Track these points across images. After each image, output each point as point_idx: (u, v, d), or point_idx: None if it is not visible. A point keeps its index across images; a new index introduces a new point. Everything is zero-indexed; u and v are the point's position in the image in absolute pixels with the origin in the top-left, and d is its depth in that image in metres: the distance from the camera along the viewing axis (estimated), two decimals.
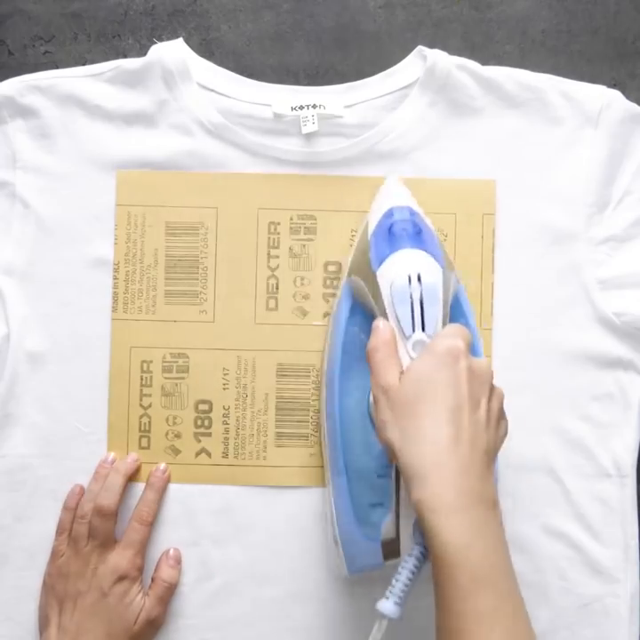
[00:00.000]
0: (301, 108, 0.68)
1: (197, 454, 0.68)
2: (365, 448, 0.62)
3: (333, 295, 0.69)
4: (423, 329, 0.57)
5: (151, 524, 0.67)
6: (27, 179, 0.68)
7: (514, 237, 0.69)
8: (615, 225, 0.68)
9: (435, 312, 0.57)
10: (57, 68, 0.71)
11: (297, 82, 0.71)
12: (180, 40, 0.70)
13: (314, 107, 0.68)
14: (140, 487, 0.68)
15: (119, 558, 0.64)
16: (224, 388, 0.69)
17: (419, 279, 0.58)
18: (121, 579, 0.64)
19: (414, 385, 0.54)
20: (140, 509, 0.66)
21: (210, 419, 0.69)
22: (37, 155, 0.68)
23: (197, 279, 0.69)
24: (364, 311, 0.63)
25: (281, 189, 0.69)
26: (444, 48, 0.69)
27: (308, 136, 0.69)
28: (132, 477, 0.67)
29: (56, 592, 0.65)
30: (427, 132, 0.69)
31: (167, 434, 0.69)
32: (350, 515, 0.62)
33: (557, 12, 0.72)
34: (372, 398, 0.57)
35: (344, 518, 0.63)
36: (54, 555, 0.66)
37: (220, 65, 0.70)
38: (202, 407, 0.69)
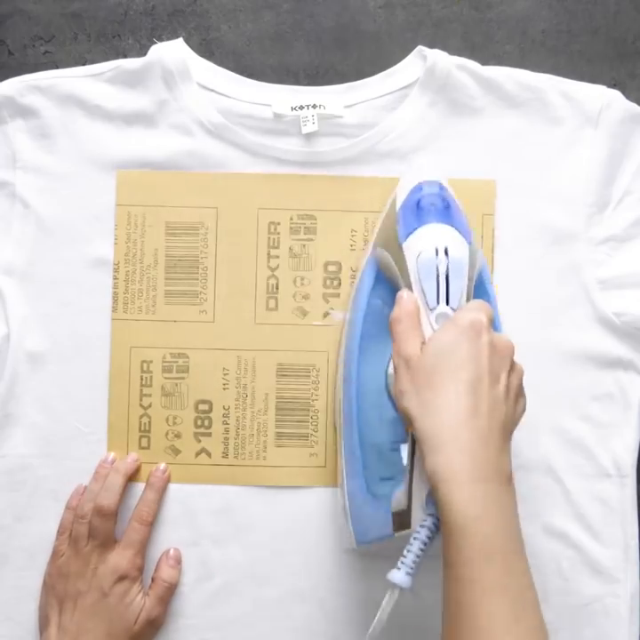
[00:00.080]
0: (301, 108, 0.68)
1: (197, 454, 0.68)
2: (379, 421, 0.62)
3: (333, 295, 0.69)
4: (447, 302, 0.57)
5: (151, 523, 0.67)
6: (27, 179, 0.68)
7: (514, 237, 0.69)
8: (615, 225, 0.68)
9: (460, 286, 0.57)
10: (57, 67, 0.71)
11: (297, 82, 0.71)
12: (180, 40, 0.70)
13: (314, 107, 0.68)
14: (140, 487, 0.68)
15: (119, 558, 0.64)
16: (224, 388, 0.69)
17: (446, 253, 0.58)
18: (121, 579, 0.64)
19: (435, 356, 0.54)
20: (140, 509, 0.66)
21: (210, 419, 0.69)
22: (37, 155, 0.68)
23: (197, 279, 0.69)
24: (387, 283, 0.63)
25: (281, 189, 0.69)
26: (444, 48, 0.69)
27: (308, 136, 0.69)
28: (132, 477, 0.68)
29: (56, 592, 0.65)
30: (427, 131, 0.69)
31: (167, 434, 0.69)
32: (362, 485, 0.62)
33: (557, 12, 0.72)
34: (391, 368, 0.57)
35: (355, 489, 0.63)
36: (55, 554, 0.66)
37: (220, 65, 0.70)
38: (202, 407, 0.69)
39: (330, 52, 0.72)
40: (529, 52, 0.72)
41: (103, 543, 0.65)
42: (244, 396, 0.69)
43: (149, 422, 0.69)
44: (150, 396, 0.69)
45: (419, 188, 0.62)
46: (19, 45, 0.72)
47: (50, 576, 0.66)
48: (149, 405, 0.69)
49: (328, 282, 0.69)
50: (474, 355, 0.53)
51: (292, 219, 0.69)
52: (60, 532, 0.66)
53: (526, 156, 0.69)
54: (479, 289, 0.63)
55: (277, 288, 0.69)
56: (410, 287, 0.58)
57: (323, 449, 0.68)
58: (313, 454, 0.68)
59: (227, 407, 0.69)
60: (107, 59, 0.70)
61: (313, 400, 0.69)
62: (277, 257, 0.69)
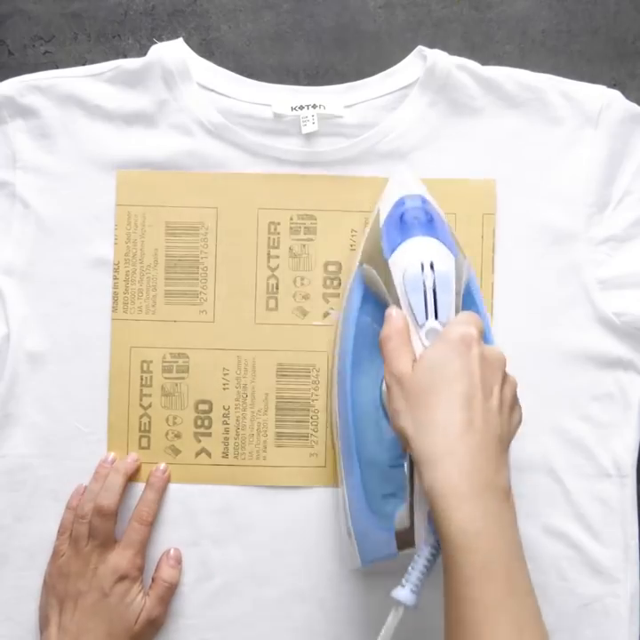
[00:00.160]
0: (301, 108, 0.68)
1: (197, 454, 0.68)
2: (378, 438, 0.62)
3: (333, 295, 0.69)
4: (436, 317, 0.57)
5: (151, 523, 0.67)
6: (27, 179, 0.68)
7: (514, 237, 0.69)
8: (615, 225, 0.68)
9: (448, 300, 0.57)
10: (57, 67, 0.71)
11: (297, 82, 0.71)
12: (180, 40, 0.70)
13: (314, 107, 0.68)
14: (140, 487, 0.68)
15: (119, 558, 0.64)
16: (224, 388, 0.69)
17: (431, 267, 0.57)
18: (121, 579, 0.64)
19: (427, 373, 0.54)
20: (140, 509, 0.66)
21: (210, 419, 0.69)
22: (37, 155, 0.68)
23: (197, 279, 0.69)
24: (376, 300, 0.63)
25: (281, 189, 0.69)
26: (444, 48, 0.69)
27: (308, 136, 0.69)
28: (132, 477, 0.68)
29: (56, 592, 0.65)
30: (427, 131, 0.69)
31: (167, 434, 0.69)
32: (363, 505, 0.62)
33: (557, 12, 0.72)
34: (384, 387, 0.57)
35: (357, 509, 0.63)
36: (55, 554, 0.66)
37: (220, 65, 0.70)
38: (202, 407, 0.69)
39: (330, 52, 0.72)
40: (529, 52, 0.72)
41: (103, 543, 0.65)
42: (244, 396, 0.69)
43: (149, 422, 0.69)
44: (150, 396, 0.69)
45: (401, 201, 0.62)
46: (19, 45, 0.72)
47: (50, 576, 0.66)
48: (149, 405, 0.69)
49: (328, 282, 0.69)
50: (465, 369, 0.53)
51: (291, 219, 0.69)
52: (60, 532, 0.66)
53: (526, 156, 0.69)
54: (468, 300, 0.62)
55: (277, 288, 0.69)
56: (398, 303, 0.58)
57: (323, 449, 0.68)
58: (313, 454, 0.68)
59: (227, 407, 0.69)
60: (107, 59, 0.70)
61: (313, 400, 0.69)
62: (277, 257, 0.69)
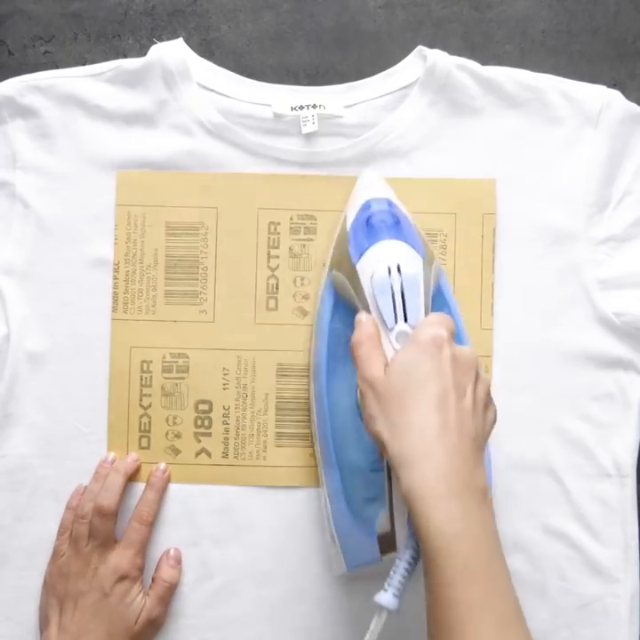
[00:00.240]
0: (301, 108, 0.68)
1: (197, 454, 0.68)
2: (357, 443, 0.62)
3: None
4: (406, 320, 0.57)
5: (151, 523, 0.67)
6: (27, 179, 0.68)
7: (514, 237, 0.69)
8: (615, 225, 0.68)
9: (416, 302, 0.57)
10: (57, 67, 0.71)
11: (297, 82, 0.71)
12: (180, 40, 0.70)
13: (314, 107, 0.68)
14: (140, 487, 0.68)
15: (120, 558, 0.64)
16: (224, 388, 0.69)
17: (399, 270, 0.58)
18: (122, 579, 0.64)
19: (399, 376, 0.54)
20: (140, 509, 0.66)
21: (210, 419, 0.69)
22: (37, 155, 0.68)
23: (197, 279, 0.69)
24: (347, 306, 0.63)
25: (281, 189, 0.69)
26: (444, 48, 0.69)
27: (308, 136, 0.69)
28: (132, 477, 0.67)
29: (57, 592, 0.65)
30: (427, 131, 0.69)
31: (167, 434, 0.69)
32: (345, 511, 0.62)
33: (557, 12, 0.72)
34: (359, 392, 0.57)
35: (339, 515, 0.63)
36: (55, 554, 0.66)
37: (220, 65, 0.70)
38: (202, 407, 0.69)
39: (330, 52, 0.72)
40: (529, 52, 0.72)
41: (103, 543, 0.65)
42: (244, 395, 0.69)
43: (149, 422, 0.69)
44: (150, 396, 0.69)
45: (367, 205, 0.62)
46: (19, 45, 0.72)
47: (50, 576, 0.66)
48: (149, 405, 0.69)
49: None
50: (437, 371, 0.53)
51: (291, 219, 0.69)
52: (60, 532, 0.66)
53: (526, 156, 0.69)
54: (439, 300, 0.63)
55: (277, 288, 0.69)
56: (367, 308, 0.58)
57: None
58: (313, 454, 0.68)
59: (227, 407, 0.69)
60: (107, 59, 0.70)
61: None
62: (277, 257, 0.69)
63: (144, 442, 0.68)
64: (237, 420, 0.69)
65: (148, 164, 0.69)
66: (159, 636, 0.67)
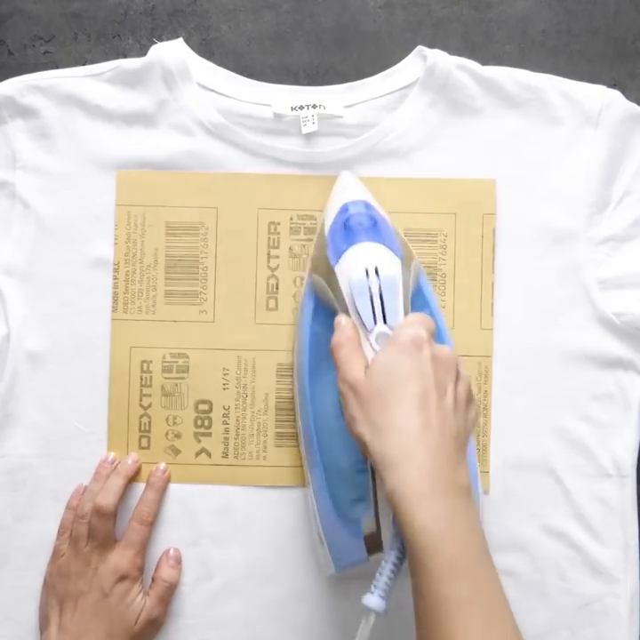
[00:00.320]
0: (301, 107, 0.68)
1: (197, 454, 0.68)
2: (341, 444, 0.62)
3: None
4: (385, 321, 0.57)
5: (151, 524, 0.67)
6: (27, 179, 0.68)
7: (514, 237, 0.69)
8: (615, 225, 0.68)
9: (395, 303, 0.57)
10: (57, 67, 0.71)
11: (297, 82, 0.71)
12: (180, 40, 0.70)
13: (314, 107, 0.68)
14: (140, 487, 0.68)
15: (120, 558, 0.64)
16: (224, 388, 0.69)
17: (376, 272, 0.58)
18: (122, 579, 0.64)
19: (380, 377, 0.54)
20: (140, 509, 0.66)
21: (210, 419, 0.69)
22: (37, 155, 0.68)
23: (197, 279, 0.69)
24: (327, 309, 0.63)
25: (281, 189, 0.69)
26: (444, 48, 0.69)
27: (308, 136, 0.69)
28: (133, 478, 0.67)
29: (57, 592, 0.65)
30: (427, 131, 0.69)
31: (167, 434, 0.69)
32: (332, 512, 0.62)
33: (557, 12, 0.72)
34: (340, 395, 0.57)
35: (326, 516, 0.63)
36: (55, 554, 0.66)
37: (220, 65, 0.70)
38: (202, 407, 0.69)
39: (330, 52, 0.72)
40: (529, 52, 0.72)
41: (103, 543, 0.65)
42: (244, 396, 0.69)
43: (149, 422, 0.69)
44: (150, 396, 0.69)
45: (345, 208, 0.63)
46: (19, 45, 0.72)
47: (50, 576, 0.66)
48: (149, 405, 0.69)
49: None
50: (418, 371, 0.53)
51: (291, 219, 0.69)
52: (60, 532, 0.66)
53: (526, 156, 0.69)
54: (419, 300, 0.63)
55: (277, 288, 0.69)
56: (346, 311, 0.58)
57: None
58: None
59: (227, 407, 0.69)
60: (107, 59, 0.70)
61: None
62: (277, 257, 0.69)
63: (144, 442, 0.68)
64: (237, 420, 0.69)
65: (148, 164, 0.69)
66: (159, 635, 0.67)
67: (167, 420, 0.69)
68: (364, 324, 0.57)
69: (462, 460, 0.53)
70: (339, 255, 0.60)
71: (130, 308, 0.69)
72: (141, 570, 0.66)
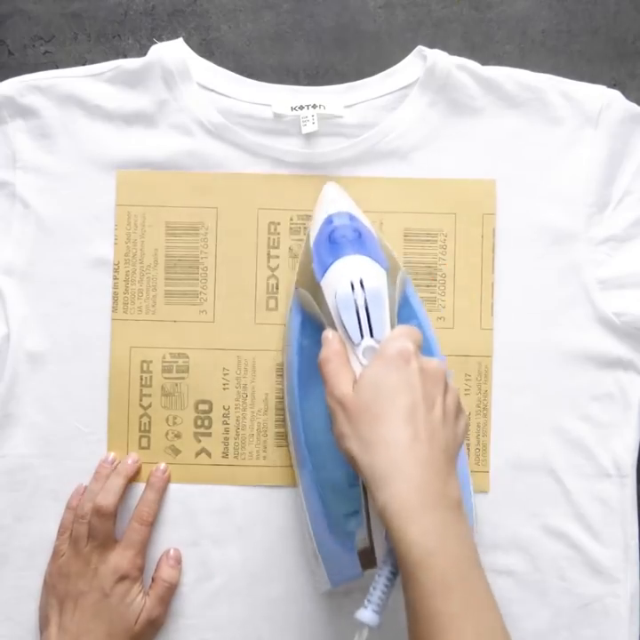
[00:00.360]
0: (301, 108, 0.68)
1: (197, 454, 0.68)
2: (334, 459, 0.61)
3: None
4: (371, 334, 0.57)
5: (151, 524, 0.67)
6: (27, 179, 0.68)
7: (514, 237, 0.69)
8: (615, 225, 0.68)
9: (381, 316, 0.57)
10: (57, 67, 0.71)
11: (297, 82, 0.71)
12: (180, 40, 0.70)
13: (314, 107, 0.68)
14: (140, 487, 0.68)
15: (120, 558, 0.64)
16: (224, 388, 0.69)
17: (362, 285, 0.58)
18: (122, 579, 0.64)
19: (368, 392, 0.54)
20: (141, 509, 0.66)
21: (210, 419, 0.69)
22: (37, 155, 0.68)
23: (197, 279, 0.69)
24: (315, 323, 0.62)
25: (281, 189, 0.69)
26: (444, 48, 0.69)
27: (308, 136, 0.69)
28: (133, 478, 0.67)
29: (57, 592, 0.65)
30: (427, 131, 0.69)
31: (167, 434, 0.69)
32: (325, 528, 0.63)
33: (557, 12, 0.72)
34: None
35: (320, 532, 0.63)
36: (55, 554, 0.66)
37: (220, 65, 0.70)
38: (202, 407, 0.69)
39: (330, 52, 0.72)
40: (529, 52, 0.72)
41: (103, 543, 0.65)
42: (244, 396, 0.69)
43: (149, 422, 0.69)
44: (150, 396, 0.69)
45: (329, 220, 0.63)
46: (19, 45, 0.72)
47: (50, 576, 0.66)
48: (149, 405, 0.69)
49: None
50: (406, 384, 0.53)
51: (291, 219, 0.69)
52: (60, 532, 0.66)
53: (526, 156, 0.69)
54: (406, 311, 0.63)
55: (277, 288, 0.69)
56: (333, 325, 0.58)
57: None
58: None
59: (227, 407, 0.69)
60: (107, 59, 0.70)
61: None
62: (277, 257, 0.69)
63: (144, 442, 0.68)
64: (237, 420, 0.69)
65: (148, 164, 0.69)
66: (159, 635, 0.67)
67: (167, 420, 0.69)
68: (350, 338, 0.57)
69: (452, 473, 0.53)
70: (324, 269, 0.60)
71: (130, 308, 0.69)
72: (141, 570, 0.66)
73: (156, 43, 0.70)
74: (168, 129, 0.69)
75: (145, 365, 0.69)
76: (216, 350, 0.69)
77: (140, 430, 0.68)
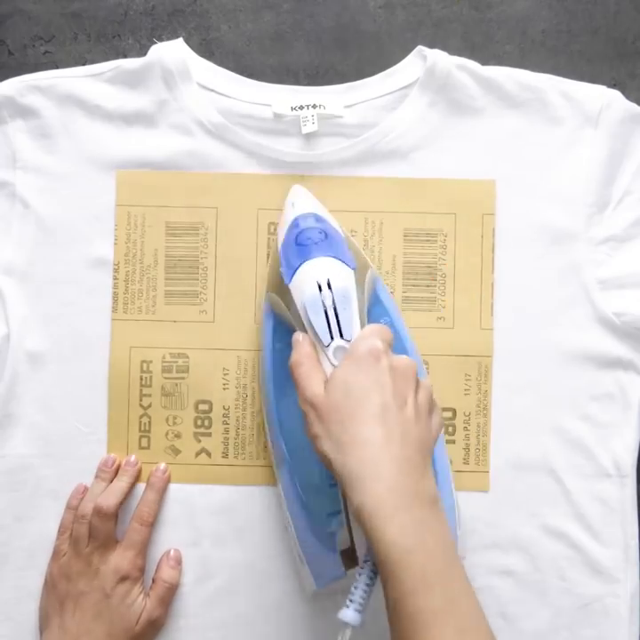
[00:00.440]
0: (301, 108, 0.68)
1: (197, 454, 0.68)
2: (312, 460, 0.60)
3: None
4: (341, 335, 0.57)
5: (152, 524, 0.67)
6: (27, 179, 0.68)
7: (514, 237, 0.69)
8: (615, 225, 0.68)
9: (349, 316, 0.57)
10: (57, 67, 0.71)
11: (297, 82, 0.71)
12: (180, 40, 0.70)
13: (314, 107, 0.68)
14: (140, 487, 0.68)
15: (120, 559, 0.64)
16: (224, 388, 0.69)
17: (329, 286, 0.57)
18: (123, 579, 0.64)
19: (338, 392, 0.54)
20: (141, 510, 0.66)
21: (210, 419, 0.69)
22: (37, 155, 0.68)
23: (197, 279, 0.69)
24: (286, 327, 0.62)
25: (281, 189, 0.69)
26: (444, 48, 0.69)
27: (308, 136, 0.69)
28: (135, 480, 0.67)
29: (57, 592, 0.65)
30: (427, 131, 0.69)
31: (167, 434, 0.69)
32: (308, 529, 0.63)
33: (557, 12, 0.72)
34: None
35: (303, 534, 0.63)
36: (56, 554, 0.66)
37: (220, 65, 0.70)
38: (202, 407, 0.69)
39: (330, 52, 0.72)
40: (529, 52, 0.72)
41: (104, 544, 0.65)
42: (244, 396, 0.69)
43: (149, 422, 0.69)
44: (150, 396, 0.69)
45: (295, 223, 0.63)
46: (19, 45, 0.72)
47: (51, 576, 0.66)
48: (149, 405, 0.69)
49: None
50: (377, 383, 0.53)
51: None
52: (60, 532, 0.66)
53: (526, 156, 0.69)
54: (377, 309, 0.63)
55: None
56: (303, 327, 0.58)
57: None
58: None
59: (227, 407, 0.69)
60: (107, 59, 0.70)
61: None
62: None
63: (144, 442, 0.68)
64: (237, 420, 0.69)
65: (148, 164, 0.69)
66: (159, 636, 0.67)
67: (167, 420, 0.69)
68: (320, 339, 0.57)
69: (427, 470, 0.53)
70: (292, 272, 0.59)
71: (130, 308, 0.69)
72: (142, 570, 0.66)
73: (155, 43, 0.70)
74: (168, 129, 0.69)
75: (145, 365, 0.69)
76: (216, 350, 0.69)
77: (139, 430, 0.68)
